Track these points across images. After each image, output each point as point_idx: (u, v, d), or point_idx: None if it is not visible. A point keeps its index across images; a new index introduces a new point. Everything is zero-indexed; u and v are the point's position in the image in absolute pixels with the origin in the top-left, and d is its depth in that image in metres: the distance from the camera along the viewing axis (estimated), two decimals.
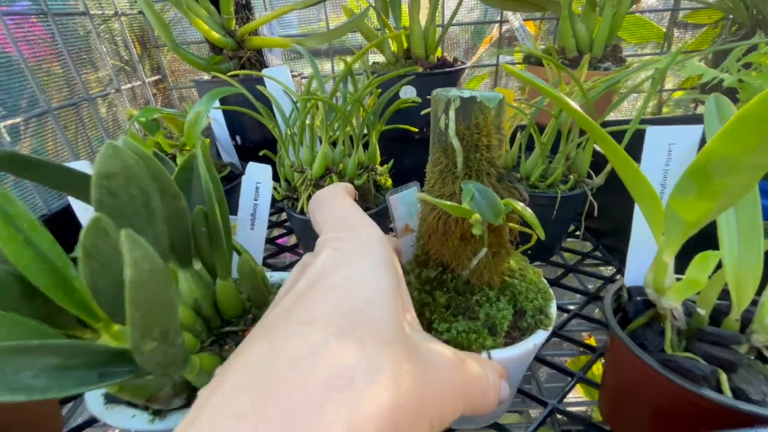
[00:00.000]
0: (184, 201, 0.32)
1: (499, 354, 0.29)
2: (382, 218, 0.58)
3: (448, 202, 0.26)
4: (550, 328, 0.32)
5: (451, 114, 0.29)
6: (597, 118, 0.53)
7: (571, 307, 0.54)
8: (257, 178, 0.41)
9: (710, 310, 0.32)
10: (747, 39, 0.79)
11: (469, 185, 0.28)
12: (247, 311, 0.38)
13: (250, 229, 0.42)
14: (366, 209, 0.55)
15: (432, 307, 0.33)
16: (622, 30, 0.80)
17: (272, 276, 0.44)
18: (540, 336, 0.31)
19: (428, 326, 0.32)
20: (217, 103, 0.73)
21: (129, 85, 0.83)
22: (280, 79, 0.57)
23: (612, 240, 0.64)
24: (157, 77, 0.95)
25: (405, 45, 0.82)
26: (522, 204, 0.29)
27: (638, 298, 0.33)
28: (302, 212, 0.55)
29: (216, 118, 0.75)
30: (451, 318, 0.32)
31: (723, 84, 0.58)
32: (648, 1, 0.99)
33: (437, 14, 0.79)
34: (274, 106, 0.57)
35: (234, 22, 0.75)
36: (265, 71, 0.59)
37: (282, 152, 0.57)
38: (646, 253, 0.35)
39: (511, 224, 0.31)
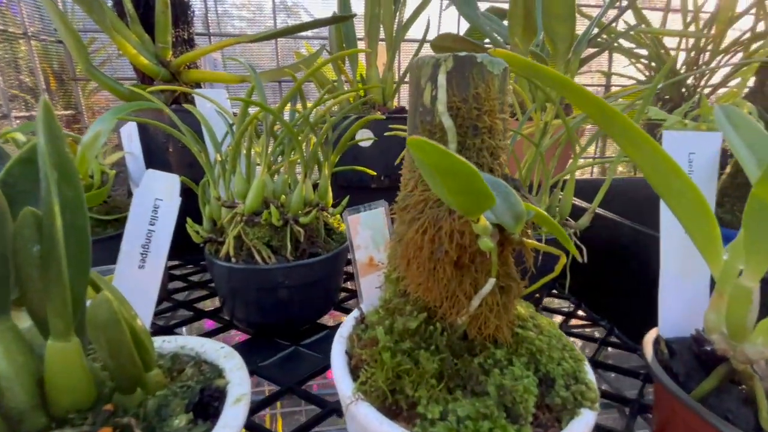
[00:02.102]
0: (2, 198, 0.19)
1: None
2: (334, 265, 0.46)
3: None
4: (597, 405, 0.21)
5: (441, 80, 0.20)
6: (569, 162, 0.49)
7: None
8: (158, 192, 0.29)
9: None
10: (672, 111, 0.86)
11: None
12: (103, 398, 0.23)
13: (139, 267, 0.28)
14: (313, 255, 0.43)
15: (415, 378, 0.21)
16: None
17: (167, 341, 0.29)
18: (587, 419, 0.20)
19: (411, 408, 0.20)
20: (136, 134, 0.61)
21: (26, 114, 0.68)
22: (215, 100, 0.48)
23: (597, 296, 0.57)
24: (69, 112, 0.81)
25: (362, 93, 0.79)
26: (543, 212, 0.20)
27: (700, 348, 0.24)
28: (228, 258, 0.42)
29: (133, 152, 0.62)
30: (445, 395, 0.20)
31: None
32: (582, 80, 1.08)
33: (394, 66, 0.78)
34: (204, 130, 0.47)
35: (170, 52, 0.67)
36: (198, 90, 0.50)
37: (207, 180, 0.45)
38: (685, 292, 0.27)
39: (529, 242, 0.21)
